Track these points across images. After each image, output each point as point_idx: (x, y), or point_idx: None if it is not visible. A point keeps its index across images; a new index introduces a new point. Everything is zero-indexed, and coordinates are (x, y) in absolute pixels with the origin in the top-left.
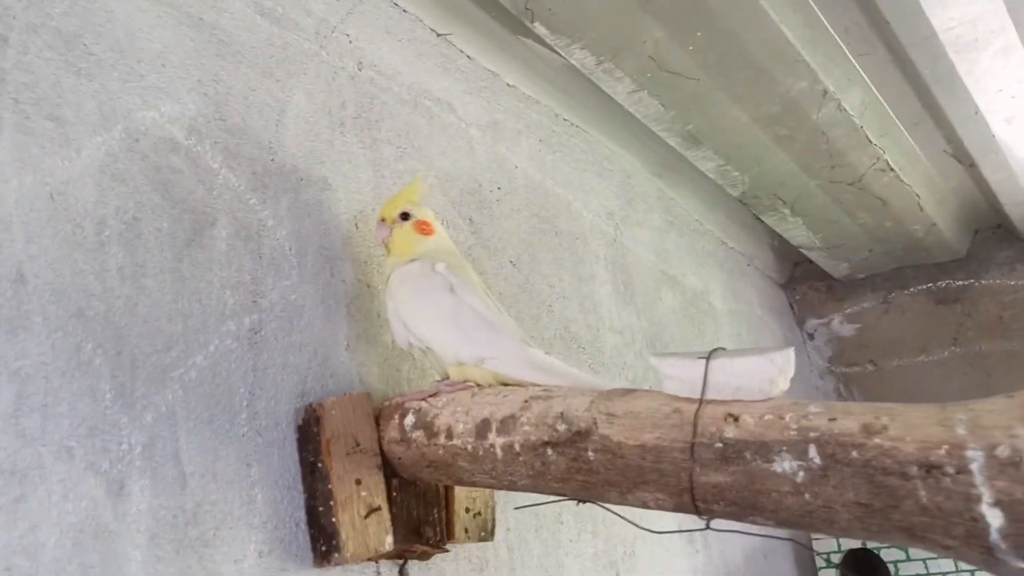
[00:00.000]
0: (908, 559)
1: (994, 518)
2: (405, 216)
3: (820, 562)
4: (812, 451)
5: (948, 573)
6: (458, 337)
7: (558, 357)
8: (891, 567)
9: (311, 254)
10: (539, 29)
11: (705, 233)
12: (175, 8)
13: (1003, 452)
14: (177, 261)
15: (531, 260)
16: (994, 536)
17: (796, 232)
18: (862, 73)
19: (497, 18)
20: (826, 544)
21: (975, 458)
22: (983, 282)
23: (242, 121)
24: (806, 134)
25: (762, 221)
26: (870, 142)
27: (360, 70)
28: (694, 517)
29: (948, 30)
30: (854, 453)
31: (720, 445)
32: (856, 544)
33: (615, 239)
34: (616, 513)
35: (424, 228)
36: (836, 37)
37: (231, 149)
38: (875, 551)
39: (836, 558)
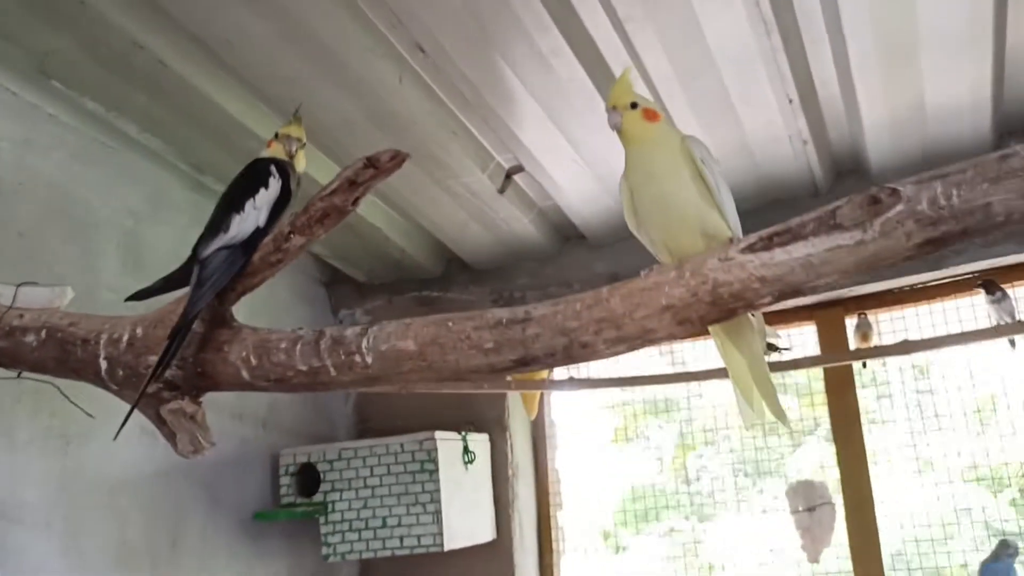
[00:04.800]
0: (332, 469)
1: (103, 363)
2: None
3: (282, 470)
4: (43, 332)
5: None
6: None
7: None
8: (322, 474)
9: None
10: (56, 85)
11: None
12: None
13: (112, 335)
14: None
15: (40, 233)
16: (104, 373)
17: (318, 247)
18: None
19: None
20: (287, 459)
21: (101, 338)
22: (449, 295)
23: None
24: None
25: None
26: None
27: None
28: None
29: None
30: (58, 334)
31: (8, 327)
32: (305, 460)
33: (132, 230)
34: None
35: None
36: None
37: None
38: (315, 464)
39: (293, 468)
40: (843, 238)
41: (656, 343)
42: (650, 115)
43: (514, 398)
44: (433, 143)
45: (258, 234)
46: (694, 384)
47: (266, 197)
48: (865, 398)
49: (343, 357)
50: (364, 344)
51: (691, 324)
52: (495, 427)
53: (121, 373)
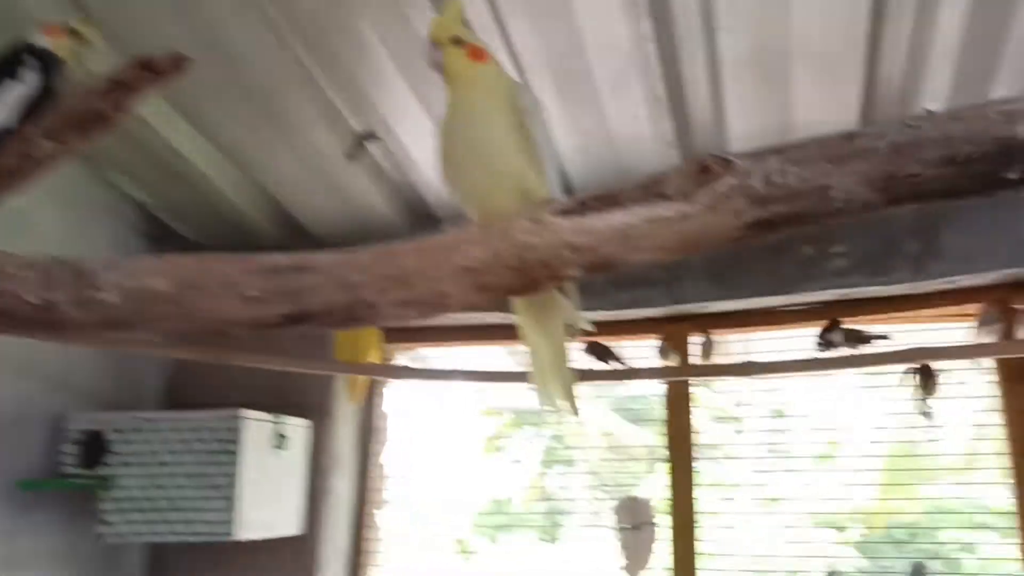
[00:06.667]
0: (123, 440)
1: None
2: None
3: (66, 436)
4: None
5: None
6: None
7: None
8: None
9: None
10: None
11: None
12: None
13: None
14: None
15: None
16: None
17: (138, 192)
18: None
19: None
20: (73, 424)
21: None
22: None
23: None
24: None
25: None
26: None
27: None
28: None
29: None
30: None
31: None
32: (93, 427)
33: None
34: None
35: None
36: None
37: None
38: (103, 432)
39: (77, 435)
40: (665, 209)
41: (451, 310)
42: (476, 53)
43: (345, 382)
44: (273, 88)
45: (2, 135)
46: None
47: (17, 92)
48: (720, 431)
49: (83, 292)
50: (110, 279)
51: (491, 292)
52: (318, 413)
53: None
